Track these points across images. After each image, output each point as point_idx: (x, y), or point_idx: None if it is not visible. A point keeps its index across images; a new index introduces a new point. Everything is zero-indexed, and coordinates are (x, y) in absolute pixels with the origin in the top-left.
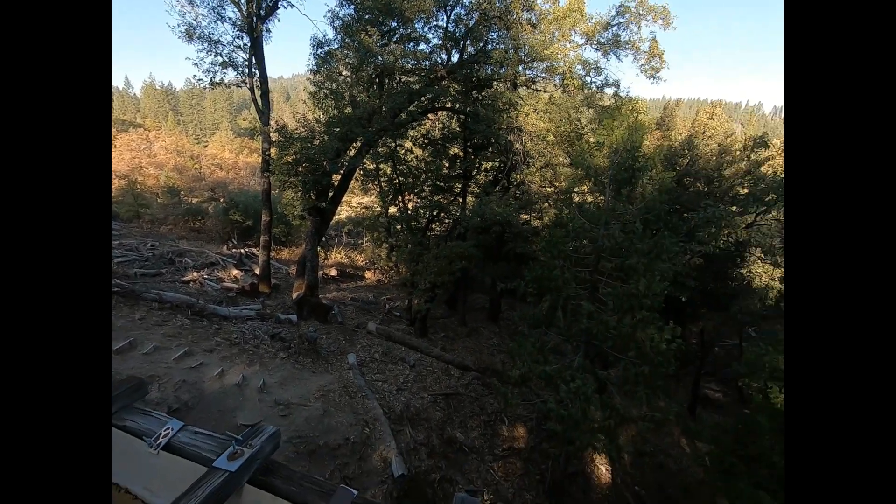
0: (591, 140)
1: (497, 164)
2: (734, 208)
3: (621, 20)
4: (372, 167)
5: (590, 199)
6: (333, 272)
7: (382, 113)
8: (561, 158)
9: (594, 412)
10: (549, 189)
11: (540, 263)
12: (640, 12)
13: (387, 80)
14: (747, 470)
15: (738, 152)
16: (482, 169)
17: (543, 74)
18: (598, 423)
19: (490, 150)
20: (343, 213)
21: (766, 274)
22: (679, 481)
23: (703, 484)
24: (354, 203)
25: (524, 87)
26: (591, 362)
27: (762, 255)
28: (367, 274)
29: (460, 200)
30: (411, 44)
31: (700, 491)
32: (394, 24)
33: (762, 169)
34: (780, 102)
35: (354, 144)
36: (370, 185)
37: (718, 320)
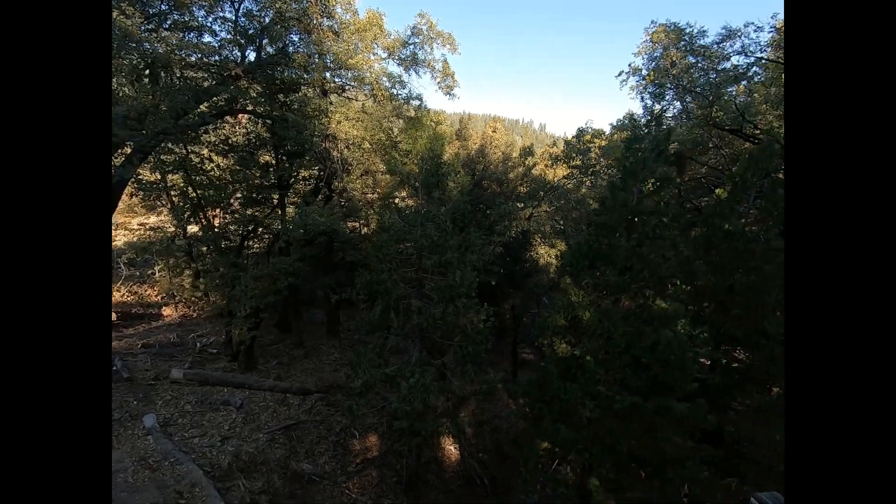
0: (404, 148)
1: (316, 172)
2: (520, 205)
3: (416, 40)
4: (154, 179)
5: (411, 203)
6: (111, 315)
7: (161, 113)
8: (379, 166)
9: (435, 400)
10: (371, 196)
11: (368, 269)
12: (431, 35)
13: (163, 74)
14: (549, 410)
15: (517, 159)
16: (300, 177)
17: (353, 83)
18: (441, 408)
19: (306, 157)
20: (119, 238)
21: (546, 254)
22: (510, 437)
23: (525, 433)
24: (136, 224)
25: (335, 95)
26: (429, 354)
27: (541, 240)
28: (166, 310)
29: (279, 212)
30: (192, 34)
31: (524, 439)
32: (163, 6)
33: (533, 172)
34: (545, 120)
35: (122, 150)
36: (156, 200)
37: (522, 296)
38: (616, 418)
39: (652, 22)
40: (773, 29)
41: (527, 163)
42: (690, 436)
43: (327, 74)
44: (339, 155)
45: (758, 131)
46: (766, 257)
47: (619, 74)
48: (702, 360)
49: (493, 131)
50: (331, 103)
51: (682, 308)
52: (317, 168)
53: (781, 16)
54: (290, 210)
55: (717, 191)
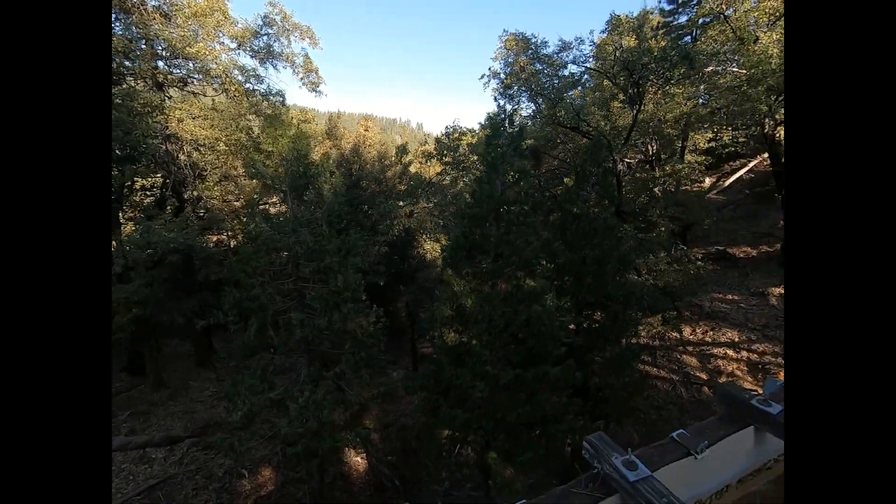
0: (267, 149)
1: (160, 179)
2: (401, 203)
3: (270, 31)
4: None
5: (284, 208)
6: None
7: None
8: (241, 169)
9: (331, 414)
10: (236, 203)
11: (237, 285)
12: (287, 27)
13: None
14: (445, 399)
15: (393, 157)
16: (136, 187)
17: (197, 76)
18: (339, 421)
19: (142, 162)
20: None
21: (432, 249)
22: (414, 433)
23: (426, 425)
24: None
25: (175, 89)
26: (322, 366)
27: (426, 236)
28: None
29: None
30: None
31: (426, 431)
32: None
33: (410, 169)
34: (421, 119)
35: None
36: None
37: (415, 292)
38: (503, 392)
39: (504, 30)
40: (592, 43)
41: (403, 161)
42: (565, 394)
43: (160, 64)
44: (186, 159)
45: (590, 128)
46: (605, 234)
47: (482, 77)
48: (570, 326)
49: (366, 130)
50: (168, 98)
51: (548, 284)
52: (160, 175)
53: (598, 33)
54: (129, 227)
55: (565, 180)
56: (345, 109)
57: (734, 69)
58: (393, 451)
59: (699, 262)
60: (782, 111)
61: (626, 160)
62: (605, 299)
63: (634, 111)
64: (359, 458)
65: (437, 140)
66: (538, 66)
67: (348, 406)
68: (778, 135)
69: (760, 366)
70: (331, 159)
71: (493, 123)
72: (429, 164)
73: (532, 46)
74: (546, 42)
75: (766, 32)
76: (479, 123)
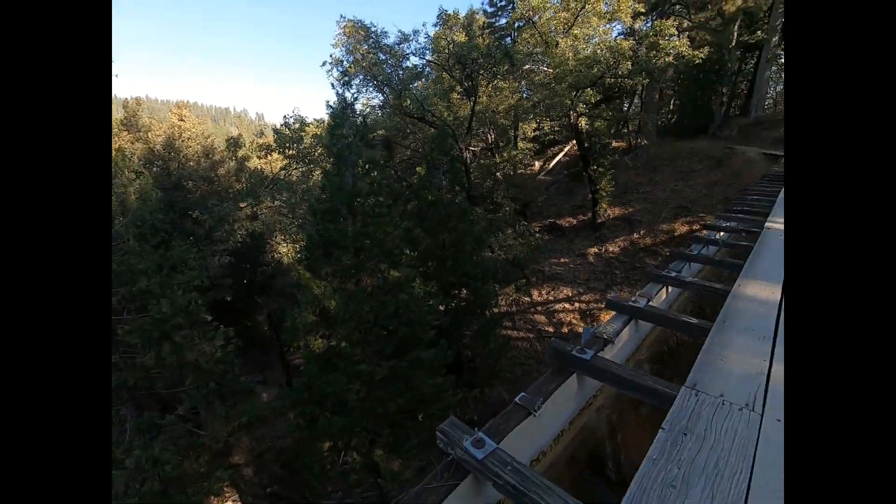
0: None
1: None
2: (242, 204)
3: None
4: None
5: None
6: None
7: None
8: None
9: (180, 465)
10: None
11: None
12: None
13: None
14: (321, 408)
15: (224, 152)
16: None
17: None
18: (195, 469)
19: None
20: None
21: (288, 252)
22: (294, 452)
23: (304, 441)
24: None
25: None
26: (161, 411)
27: (281, 238)
28: None
29: None
30: None
31: (304, 447)
32: None
33: (248, 165)
34: (261, 109)
35: None
36: None
37: (276, 300)
38: (381, 387)
39: (342, 16)
40: (427, 36)
41: (238, 155)
42: (440, 373)
43: None
44: None
45: (435, 118)
46: (460, 218)
47: (324, 64)
48: (440, 307)
49: (181, 120)
50: None
51: (413, 271)
52: None
53: (431, 26)
54: None
55: (418, 169)
56: (157, 96)
57: (545, 69)
58: (273, 479)
59: (538, 235)
60: (581, 105)
61: (471, 148)
62: (466, 278)
63: (472, 102)
64: (231, 501)
65: (276, 131)
66: (381, 56)
67: (204, 449)
68: (580, 124)
69: (588, 312)
70: (133, 156)
71: (335, 113)
72: (269, 158)
73: (373, 36)
74: (386, 32)
75: (563, 38)
76: (327, 113)
